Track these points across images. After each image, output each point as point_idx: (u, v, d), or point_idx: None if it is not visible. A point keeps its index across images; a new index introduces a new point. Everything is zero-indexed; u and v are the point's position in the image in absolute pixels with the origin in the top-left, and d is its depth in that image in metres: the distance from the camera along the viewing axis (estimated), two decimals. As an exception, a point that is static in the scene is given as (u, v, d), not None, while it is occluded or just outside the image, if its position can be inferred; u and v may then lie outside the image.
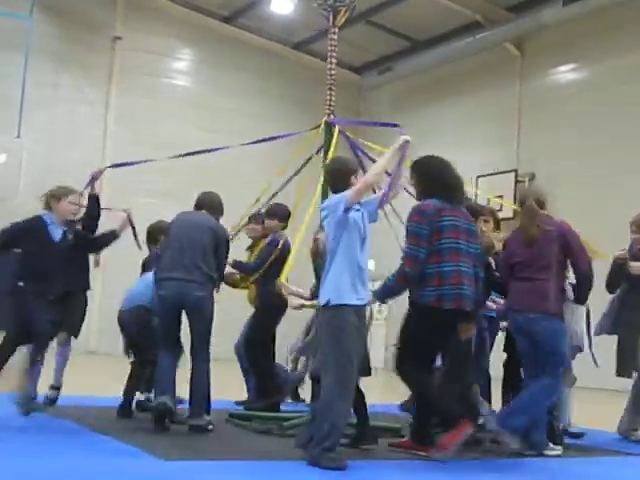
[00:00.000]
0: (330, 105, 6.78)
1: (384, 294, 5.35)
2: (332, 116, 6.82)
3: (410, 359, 5.20)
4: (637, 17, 13.45)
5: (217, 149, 7.54)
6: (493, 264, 6.03)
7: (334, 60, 6.82)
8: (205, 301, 5.89)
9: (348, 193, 4.83)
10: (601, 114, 13.80)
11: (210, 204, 6.33)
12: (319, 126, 6.85)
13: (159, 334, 6.11)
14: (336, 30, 6.81)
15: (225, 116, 17.59)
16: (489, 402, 6.32)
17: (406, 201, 5.67)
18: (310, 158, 7.32)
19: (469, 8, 15.48)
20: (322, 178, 6.62)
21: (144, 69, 17.02)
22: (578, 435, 6.43)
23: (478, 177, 15.07)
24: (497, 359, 6.30)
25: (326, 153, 6.68)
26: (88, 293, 6.83)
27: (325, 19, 6.92)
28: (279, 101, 18.01)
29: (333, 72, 6.82)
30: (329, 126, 6.82)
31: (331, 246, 4.79)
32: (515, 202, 13.66)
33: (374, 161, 6.01)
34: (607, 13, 13.72)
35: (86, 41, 16.44)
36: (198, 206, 6.34)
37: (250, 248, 7.69)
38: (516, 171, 15.08)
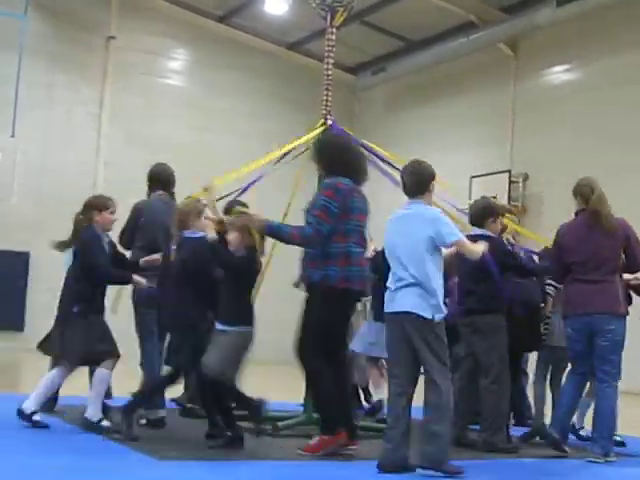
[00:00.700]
0: (327, 106, 6.74)
1: (272, 231, 5.10)
2: (329, 116, 6.76)
3: (314, 344, 5.01)
4: (631, 18, 13.48)
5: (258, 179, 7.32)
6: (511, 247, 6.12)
7: (331, 60, 6.78)
8: None
9: (463, 238, 4.77)
10: (595, 114, 13.83)
11: (167, 179, 6.38)
12: (323, 124, 6.76)
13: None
14: (334, 30, 6.77)
15: (219, 116, 17.57)
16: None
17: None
18: (304, 151, 7.25)
19: (463, 8, 15.47)
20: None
21: (138, 69, 16.99)
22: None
23: (472, 177, 15.11)
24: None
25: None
26: None
27: (322, 19, 6.88)
28: (273, 101, 17.99)
29: (330, 72, 6.79)
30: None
31: (426, 258, 4.63)
32: (509, 202, 13.75)
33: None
34: (601, 14, 13.73)
35: (80, 41, 16.40)
36: (152, 181, 6.34)
37: None
38: (510, 171, 15.10)
